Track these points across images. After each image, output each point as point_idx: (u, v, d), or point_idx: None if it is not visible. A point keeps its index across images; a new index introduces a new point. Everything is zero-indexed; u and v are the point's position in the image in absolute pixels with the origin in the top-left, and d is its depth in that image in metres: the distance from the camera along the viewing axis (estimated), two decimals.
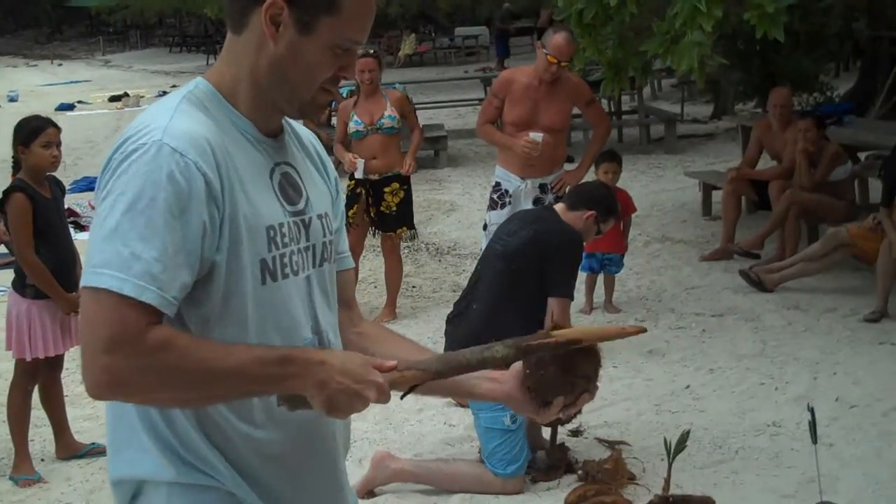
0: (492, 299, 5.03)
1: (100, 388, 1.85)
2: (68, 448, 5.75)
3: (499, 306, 4.99)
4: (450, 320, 5.38)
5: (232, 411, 2.01)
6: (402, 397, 2.09)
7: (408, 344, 2.35)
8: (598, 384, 2.24)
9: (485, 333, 4.41)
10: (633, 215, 8.14)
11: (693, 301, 7.91)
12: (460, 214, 11.57)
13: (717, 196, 10.10)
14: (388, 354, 2.11)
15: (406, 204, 7.81)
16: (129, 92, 28.37)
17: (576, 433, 5.57)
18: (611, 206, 5.50)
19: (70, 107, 27.23)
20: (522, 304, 4.94)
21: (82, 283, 1.87)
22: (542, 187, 6.94)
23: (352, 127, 7.60)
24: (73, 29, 61.63)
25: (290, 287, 2.05)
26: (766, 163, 9.86)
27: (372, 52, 7.82)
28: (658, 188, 12.32)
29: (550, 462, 5.26)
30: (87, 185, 14.59)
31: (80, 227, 11.80)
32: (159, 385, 1.87)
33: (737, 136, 13.47)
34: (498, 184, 7.03)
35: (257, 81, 2.02)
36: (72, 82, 35.51)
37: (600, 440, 5.52)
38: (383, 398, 1.96)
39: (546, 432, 5.35)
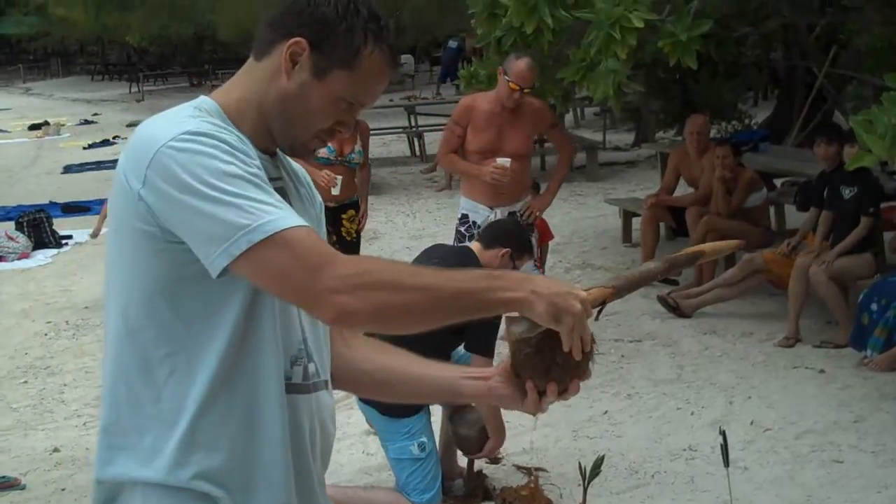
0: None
1: (336, 315, 1.94)
2: None
3: (410, 337, 4.93)
4: None
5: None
6: (596, 318, 2.14)
7: (391, 351, 2.40)
8: (582, 378, 2.17)
9: None
10: (553, 243, 8.18)
11: (612, 327, 7.96)
12: (383, 242, 11.56)
13: (637, 223, 10.20)
14: (384, 365, 2.32)
15: (359, 232, 7.84)
16: (49, 120, 28.00)
17: (494, 460, 5.56)
18: (525, 243, 5.49)
19: None
20: (434, 336, 4.79)
21: (236, 252, 1.91)
22: (512, 215, 6.77)
23: (321, 151, 7.37)
24: None
25: None
26: (683, 189, 9.97)
27: None
28: (579, 215, 12.42)
29: (468, 490, 5.25)
30: (5, 215, 14.39)
31: None
32: (386, 295, 1.94)
33: (657, 164, 13.63)
34: (465, 216, 6.86)
35: (262, 108, 2.13)
36: None
37: (518, 467, 5.52)
38: (586, 304, 2.02)
39: (463, 460, 5.34)
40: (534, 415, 2.25)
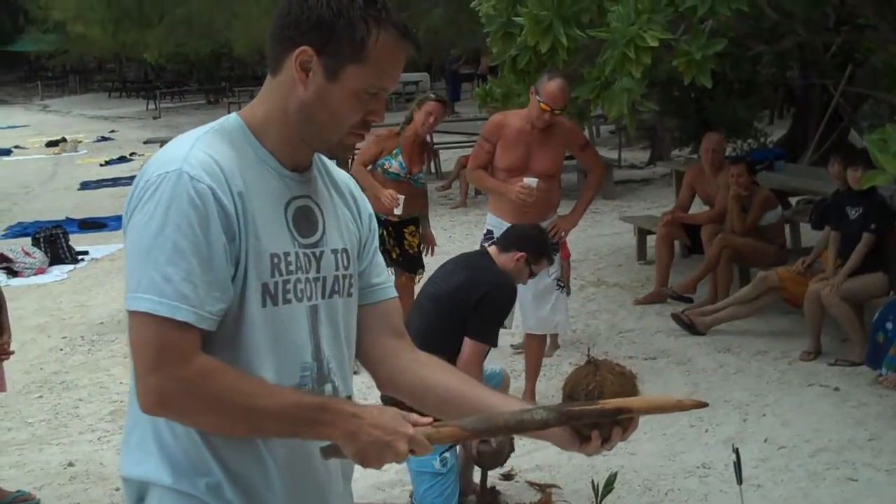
0: (419, 342, 4.92)
1: (149, 406, 2.02)
2: None
3: (424, 349, 4.94)
4: None
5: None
6: (441, 454, 2.19)
7: (458, 373, 2.45)
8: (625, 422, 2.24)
9: None
10: (568, 260, 8.17)
11: (627, 344, 7.95)
12: None
13: (651, 241, 10.20)
14: (439, 381, 2.34)
15: (420, 246, 7.81)
16: (66, 137, 28.11)
17: (507, 477, 5.57)
18: (542, 247, 5.48)
19: (7, 152, 26.99)
20: (447, 348, 4.78)
21: (126, 306, 2.01)
22: None
23: (393, 166, 7.41)
24: (11, 74, 61.12)
25: (291, 312, 2.16)
26: (698, 207, 9.95)
27: (438, 97, 7.74)
28: (595, 233, 12.42)
29: None
30: (22, 230, 14.48)
31: (13, 273, 11.67)
32: (202, 411, 2.02)
33: (672, 182, 13.63)
34: (490, 231, 6.79)
35: (286, 120, 2.15)
36: (9, 127, 35.14)
37: (531, 483, 5.52)
38: (418, 448, 2.07)
39: (477, 476, 5.34)
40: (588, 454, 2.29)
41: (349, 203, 2.37)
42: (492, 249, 5.42)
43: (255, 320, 2.09)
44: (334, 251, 2.26)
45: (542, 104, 6.42)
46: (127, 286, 2.03)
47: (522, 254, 5.27)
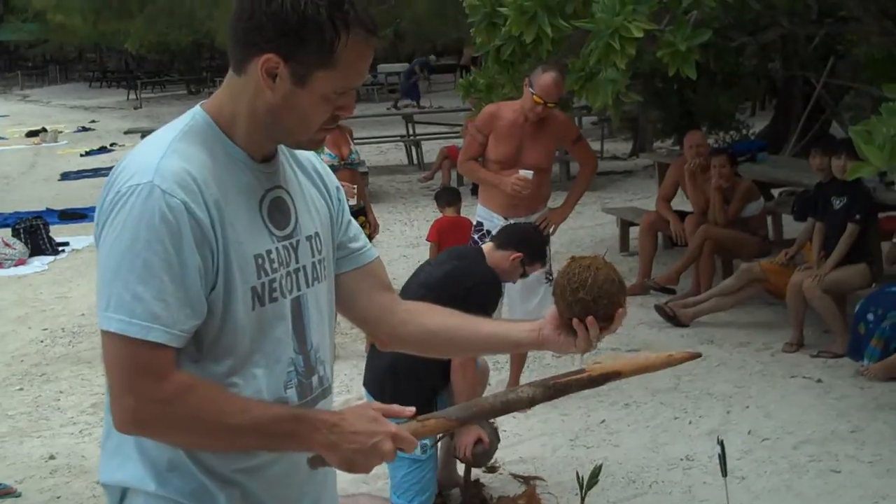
0: None
1: (124, 426, 2.00)
2: None
3: None
4: (372, 349, 5.30)
5: None
6: (433, 445, 2.20)
7: (454, 312, 2.48)
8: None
9: (401, 363, 4.34)
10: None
11: (609, 336, 7.89)
12: (380, 250, 11.34)
13: (634, 232, 10.18)
14: (440, 324, 2.43)
15: (370, 238, 7.74)
16: (46, 127, 27.96)
17: (491, 469, 5.55)
18: (539, 250, 5.45)
19: None
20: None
21: (99, 325, 1.98)
22: None
23: (326, 160, 7.14)
24: None
25: (276, 309, 2.13)
26: (681, 200, 9.93)
27: None
28: (577, 224, 12.38)
29: (465, 498, 5.23)
30: (2, 221, 14.39)
31: None
32: (177, 429, 2.00)
33: (654, 174, 13.63)
34: (480, 223, 6.73)
35: (255, 120, 2.10)
36: None
37: (515, 476, 5.51)
38: (404, 445, 2.06)
39: (460, 469, 5.32)
40: (583, 353, 2.31)
41: (315, 181, 2.33)
42: (487, 246, 5.36)
43: (243, 326, 2.06)
44: (308, 238, 2.23)
45: (535, 97, 6.38)
46: (98, 303, 1.98)
47: (519, 254, 5.22)
